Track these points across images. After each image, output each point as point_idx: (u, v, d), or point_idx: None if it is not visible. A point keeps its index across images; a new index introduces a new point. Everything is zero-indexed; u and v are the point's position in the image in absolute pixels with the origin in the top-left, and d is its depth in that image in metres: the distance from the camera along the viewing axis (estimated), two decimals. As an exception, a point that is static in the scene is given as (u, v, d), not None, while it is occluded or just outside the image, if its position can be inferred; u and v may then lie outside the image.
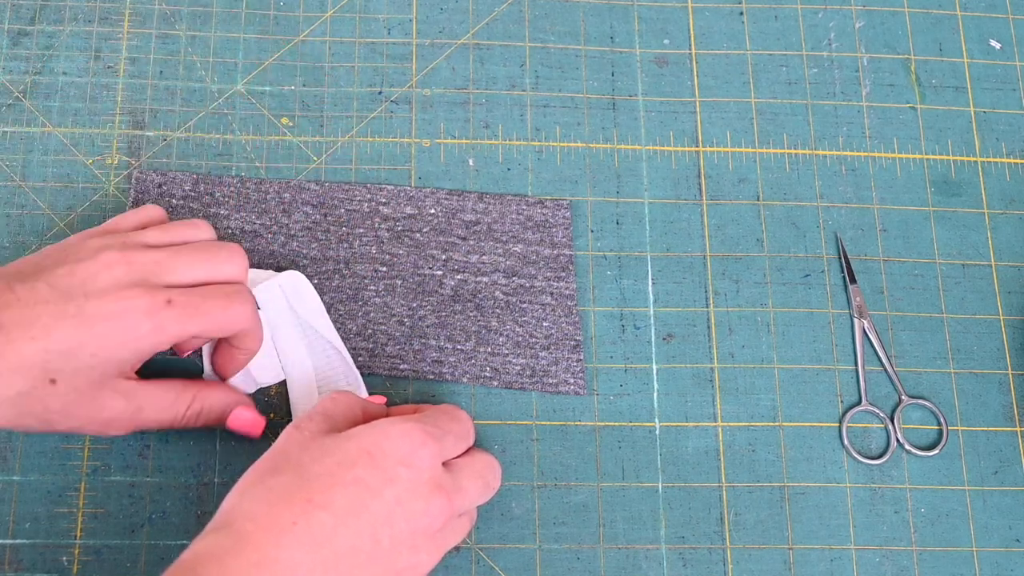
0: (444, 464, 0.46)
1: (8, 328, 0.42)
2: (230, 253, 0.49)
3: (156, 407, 0.47)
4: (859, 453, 0.55)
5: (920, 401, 0.56)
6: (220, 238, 0.56)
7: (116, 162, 0.58)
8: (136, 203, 0.57)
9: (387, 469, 0.43)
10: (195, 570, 0.39)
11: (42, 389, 0.43)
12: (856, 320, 0.58)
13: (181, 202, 0.57)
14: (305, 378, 0.53)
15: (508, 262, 0.58)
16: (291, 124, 0.60)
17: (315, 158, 0.59)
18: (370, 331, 0.55)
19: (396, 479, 0.43)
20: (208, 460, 0.53)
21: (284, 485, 0.42)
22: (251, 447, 0.53)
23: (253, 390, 0.53)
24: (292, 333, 0.53)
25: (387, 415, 0.49)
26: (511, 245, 0.58)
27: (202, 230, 0.50)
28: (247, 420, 0.51)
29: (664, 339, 0.57)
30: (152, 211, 0.52)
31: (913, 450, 0.55)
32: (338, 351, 0.53)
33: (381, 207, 0.58)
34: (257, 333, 0.50)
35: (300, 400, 0.53)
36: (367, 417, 0.48)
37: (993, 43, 0.64)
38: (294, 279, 0.54)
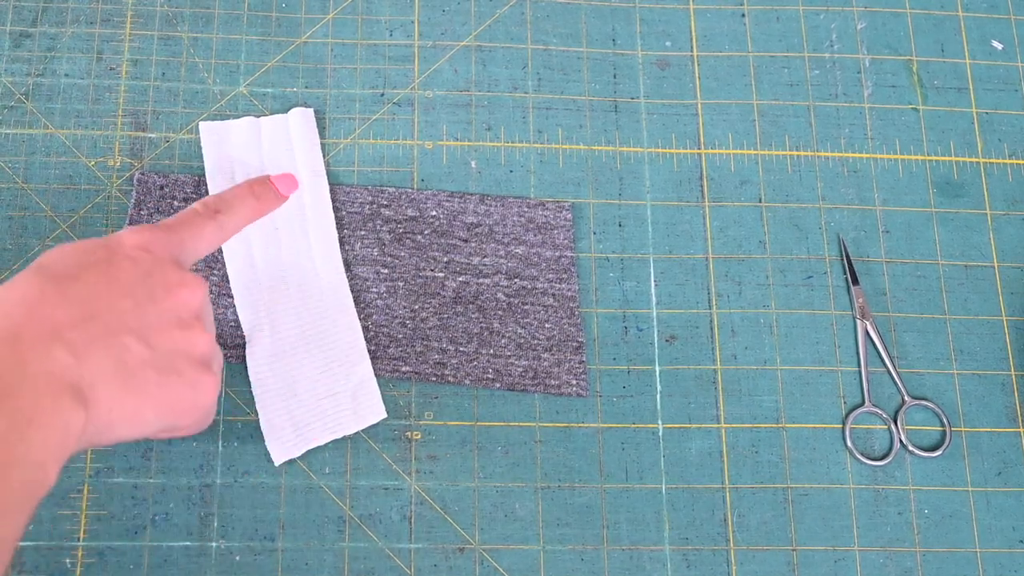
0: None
1: None
2: None
3: None
4: (862, 454, 0.55)
5: (923, 402, 0.56)
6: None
7: (118, 164, 0.58)
8: (138, 205, 0.57)
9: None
10: None
11: None
12: (859, 321, 0.58)
13: (183, 204, 0.57)
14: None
15: (510, 264, 0.58)
16: (293, 126, 0.60)
17: (317, 160, 0.59)
18: (372, 333, 0.55)
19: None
20: (210, 461, 0.53)
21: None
22: (254, 448, 0.53)
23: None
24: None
25: None
26: (513, 247, 0.58)
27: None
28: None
29: (667, 341, 0.57)
30: None
31: (916, 451, 0.55)
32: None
33: (383, 209, 0.58)
34: None
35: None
36: None
37: (995, 44, 0.64)
38: (303, 115, 0.59)
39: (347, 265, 0.57)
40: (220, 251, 0.56)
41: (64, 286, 0.39)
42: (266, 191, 0.53)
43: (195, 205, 0.48)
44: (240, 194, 0.51)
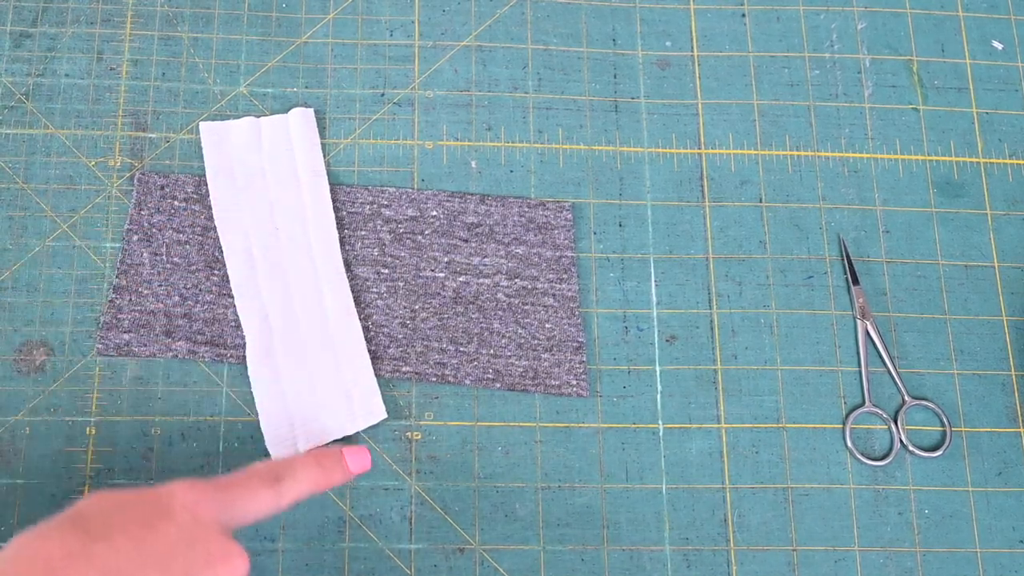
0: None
1: None
2: None
3: None
4: (863, 454, 0.55)
5: (923, 402, 0.56)
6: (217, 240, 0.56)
7: (119, 164, 0.58)
8: (139, 205, 0.57)
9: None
10: None
11: None
12: (859, 321, 0.58)
13: (183, 204, 0.57)
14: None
15: (510, 264, 0.58)
16: (293, 126, 0.60)
17: (317, 160, 0.59)
18: (372, 333, 0.55)
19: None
20: (211, 461, 0.53)
21: None
22: (254, 448, 0.53)
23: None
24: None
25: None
26: (513, 247, 0.58)
27: None
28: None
29: (667, 341, 0.57)
30: None
31: (916, 451, 0.55)
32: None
33: (383, 209, 0.58)
34: None
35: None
36: None
37: (995, 44, 0.64)
38: (303, 115, 0.58)
39: (347, 265, 0.57)
40: (220, 251, 0.56)
41: (94, 548, 0.38)
42: (335, 464, 0.48)
43: (258, 465, 0.46)
44: (306, 463, 0.47)
